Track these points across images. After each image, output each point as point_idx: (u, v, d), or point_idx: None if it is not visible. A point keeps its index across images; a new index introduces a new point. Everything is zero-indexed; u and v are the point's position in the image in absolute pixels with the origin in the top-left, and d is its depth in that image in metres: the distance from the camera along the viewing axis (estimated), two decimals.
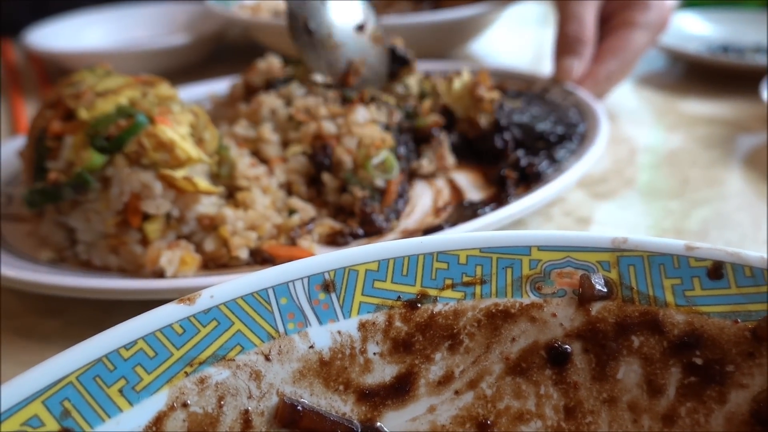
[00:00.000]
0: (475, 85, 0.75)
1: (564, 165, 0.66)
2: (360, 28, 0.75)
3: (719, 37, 1.12)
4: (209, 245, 0.57)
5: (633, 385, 0.32)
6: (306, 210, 0.63)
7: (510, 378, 0.33)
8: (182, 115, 0.59)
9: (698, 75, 1.02)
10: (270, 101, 0.70)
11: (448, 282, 0.33)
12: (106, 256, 0.57)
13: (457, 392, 0.33)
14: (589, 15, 0.84)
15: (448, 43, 1.09)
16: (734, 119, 0.86)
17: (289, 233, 0.61)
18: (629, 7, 0.85)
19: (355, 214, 0.63)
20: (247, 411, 0.30)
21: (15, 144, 0.76)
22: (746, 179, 0.72)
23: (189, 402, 0.29)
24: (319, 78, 0.72)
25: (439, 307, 0.33)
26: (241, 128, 0.68)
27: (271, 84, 0.74)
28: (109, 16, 1.30)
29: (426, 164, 0.71)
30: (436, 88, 0.78)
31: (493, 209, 0.61)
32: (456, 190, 0.69)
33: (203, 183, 0.57)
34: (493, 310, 0.33)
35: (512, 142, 0.73)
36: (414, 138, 0.73)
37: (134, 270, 0.56)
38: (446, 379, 0.33)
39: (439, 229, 0.58)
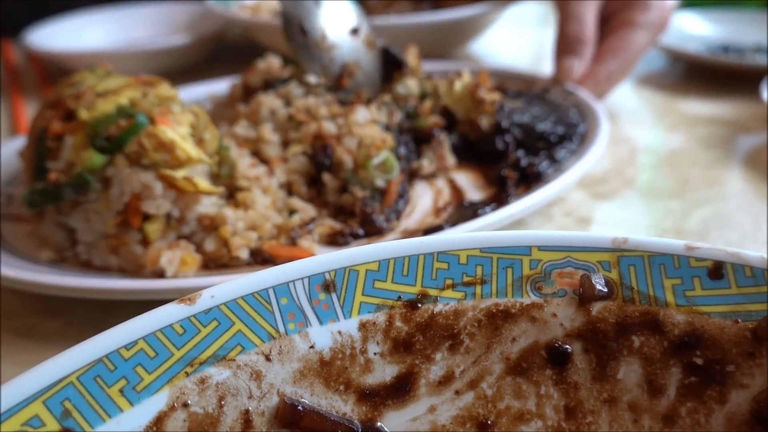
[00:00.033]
0: (475, 86, 0.75)
1: (564, 165, 0.66)
2: (354, 31, 0.76)
3: (719, 37, 1.12)
4: (209, 245, 0.57)
5: (633, 385, 0.32)
6: (306, 210, 0.63)
7: (510, 378, 0.33)
8: (182, 116, 0.59)
9: (698, 75, 1.02)
10: (269, 101, 0.70)
11: (449, 282, 0.33)
12: (106, 256, 0.57)
13: (457, 392, 0.33)
14: (589, 15, 0.84)
15: (448, 43, 1.09)
16: (734, 119, 0.86)
17: (290, 233, 0.61)
18: (629, 7, 0.85)
19: (355, 214, 0.63)
20: (247, 411, 0.30)
21: (15, 144, 0.76)
22: (746, 179, 0.72)
23: (189, 402, 0.29)
24: (312, 79, 0.72)
25: (439, 307, 0.33)
26: (241, 128, 0.68)
27: (270, 84, 0.74)
28: (109, 16, 1.30)
29: (426, 164, 0.71)
30: (437, 89, 0.78)
31: (494, 209, 0.61)
32: (456, 191, 0.69)
33: (203, 183, 0.57)
34: (494, 310, 0.33)
35: (513, 143, 0.73)
36: (414, 138, 0.73)
37: (134, 270, 0.56)
38: (447, 379, 0.33)
39: (440, 229, 0.58)
